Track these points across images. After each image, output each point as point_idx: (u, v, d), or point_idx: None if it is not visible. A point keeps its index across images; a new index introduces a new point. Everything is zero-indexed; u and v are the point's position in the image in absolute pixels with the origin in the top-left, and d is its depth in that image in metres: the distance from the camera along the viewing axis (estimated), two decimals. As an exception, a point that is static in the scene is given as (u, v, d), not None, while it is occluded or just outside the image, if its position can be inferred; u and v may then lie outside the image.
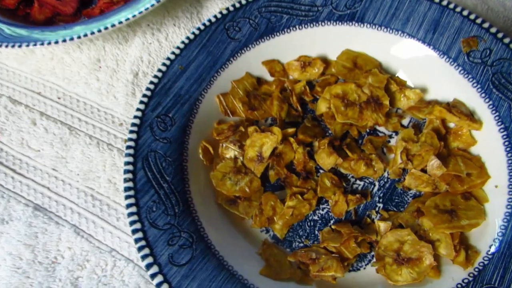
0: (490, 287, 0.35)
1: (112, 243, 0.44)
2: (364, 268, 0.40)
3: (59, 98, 0.54)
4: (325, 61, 0.49)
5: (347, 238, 0.39)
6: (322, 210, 0.42)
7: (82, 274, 0.43)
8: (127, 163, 0.41)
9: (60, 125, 0.51)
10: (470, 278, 0.36)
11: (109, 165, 0.48)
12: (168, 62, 0.46)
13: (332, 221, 0.42)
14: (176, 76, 0.46)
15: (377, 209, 0.42)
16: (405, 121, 0.46)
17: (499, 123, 0.41)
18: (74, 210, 0.47)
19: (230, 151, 0.44)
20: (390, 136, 0.46)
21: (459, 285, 0.36)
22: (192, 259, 0.37)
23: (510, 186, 0.39)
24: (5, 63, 0.57)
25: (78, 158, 0.49)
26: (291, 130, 0.45)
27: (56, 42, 0.50)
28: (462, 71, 0.43)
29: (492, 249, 0.37)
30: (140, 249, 0.37)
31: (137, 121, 0.43)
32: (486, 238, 0.37)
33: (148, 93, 0.44)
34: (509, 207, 0.38)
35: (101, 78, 0.54)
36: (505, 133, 0.40)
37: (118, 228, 0.45)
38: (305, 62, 0.49)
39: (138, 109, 0.43)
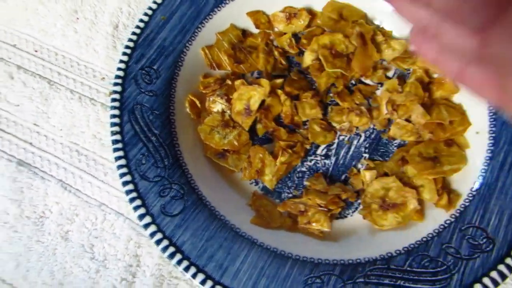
0: (470, 226, 0.36)
1: (101, 197, 0.44)
2: (351, 216, 0.41)
3: (36, 51, 0.52)
4: (311, 12, 0.48)
5: (332, 197, 0.40)
6: (310, 161, 0.43)
7: (71, 228, 0.43)
8: (113, 116, 0.40)
9: (38, 78, 0.50)
10: (452, 219, 0.37)
11: (93, 120, 0.47)
12: (150, 12, 0.44)
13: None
14: (159, 27, 0.44)
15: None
16: (389, 74, 0.46)
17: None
18: (59, 165, 0.46)
19: (217, 105, 0.44)
20: (377, 87, 0.46)
21: (441, 226, 0.37)
22: (184, 209, 0.38)
23: (490, 132, 0.40)
24: (-25, 14, 0.54)
25: (60, 113, 0.48)
26: (279, 81, 0.44)
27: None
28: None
29: (473, 190, 0.38)
30: (131, 200, 0.37)
31: (120, 73, 0.42)
32: (467, 181, 0.39)
33: (131, 44, 0.43)
34: (489, 151, 0.39)
35: (79, 30, 0.52)
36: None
37: (106, 182, 0.45)
38: (291, 14, 0.48)
39: (121, 61, 0.42)
